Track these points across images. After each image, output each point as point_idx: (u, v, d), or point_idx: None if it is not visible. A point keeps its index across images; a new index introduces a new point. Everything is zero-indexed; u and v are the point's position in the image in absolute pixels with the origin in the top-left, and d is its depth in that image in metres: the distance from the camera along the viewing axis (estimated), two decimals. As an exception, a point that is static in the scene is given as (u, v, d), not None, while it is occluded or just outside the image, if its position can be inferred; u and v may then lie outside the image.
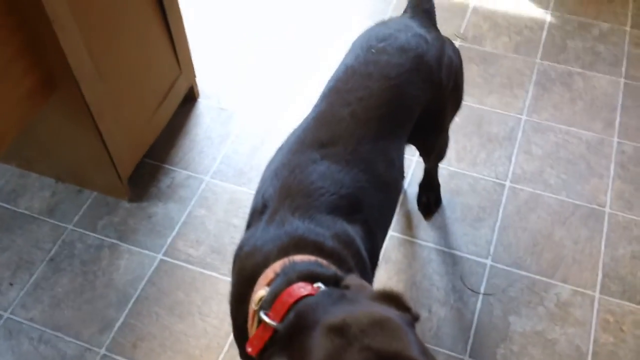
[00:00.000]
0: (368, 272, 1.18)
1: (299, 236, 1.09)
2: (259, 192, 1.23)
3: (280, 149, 1.28)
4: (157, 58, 1.95)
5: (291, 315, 0.90)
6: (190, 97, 2.24)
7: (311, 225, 1.10)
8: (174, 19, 1.95)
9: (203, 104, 2.26)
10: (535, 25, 2.52)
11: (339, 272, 1.03)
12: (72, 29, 1.52)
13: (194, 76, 2.21)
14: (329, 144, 1.21)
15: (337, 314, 0.85)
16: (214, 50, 2.45)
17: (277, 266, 1.03)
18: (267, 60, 2.41)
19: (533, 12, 2.57)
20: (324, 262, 1.04)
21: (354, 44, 1.44)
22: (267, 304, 0.96)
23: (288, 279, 0.99)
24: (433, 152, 1.67)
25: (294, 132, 1.29)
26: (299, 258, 1.04)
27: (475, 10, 2.57)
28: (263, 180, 1.24)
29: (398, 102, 1.31)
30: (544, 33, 2.49)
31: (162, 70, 2.00)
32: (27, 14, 1.45)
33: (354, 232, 1.15)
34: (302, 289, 0.94)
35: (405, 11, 1.53)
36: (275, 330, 0.91)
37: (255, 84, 2.33)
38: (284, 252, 1.06)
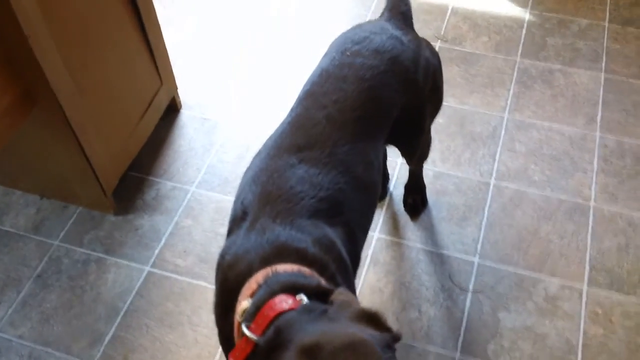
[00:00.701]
0: (350, 275, 1.18)
1: (281, 244, 1.08)
2: (238, 198, 1.23)
3: (257, 154, 1.28)
4: (137, 70, 1.95)
5: (270, 330, 0.91)
6: (173, 108, 2.24)
7: (292, 231, 1.10)
8: (153, 30, 1.96)
9: (186, 115, 2.27)
10: (515, 24, 2.54)
11: (323, 282, 1.03)
12: (48, 45, 1.52)
13: (176, 87, 2.21)
14: (305, 147, 1.22)
15: (312, 334, 0.86)
16: (195, 61, 2.45)
17: (259, 277, 1.03)
18: (249, 68, 2.42)
19: (512, 11, 2.59)
20: (307, 271, 1.04)
21: (330, 47, 1.45)
22: (249, 317, 0.97)
23: (271, 290, 0.99)
24: (415, 154, 1.68)
25: (270, 138, 1.29)
26: (281, 268, 1.04)
27: (455, 12, 2.59)
28: (241, 187, 1.24)
29: (374, 104, 1.31)
30: (524, 31, 2.51)
31: (143, 83, 2.00)
32: (3, 31, 1.45)
33: (334, 235, 1.15)
34: (283, 302, 0.95)
35: (382, 14, 1.54)
36: (256, 344, 0.91)
37: (238, 92, 2.34)
38: (266, 261, 1.06)
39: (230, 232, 1.21)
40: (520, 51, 2.44)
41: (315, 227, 1.13)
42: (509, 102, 2.26)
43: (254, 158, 1.28)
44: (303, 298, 0.96)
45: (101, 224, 1.98)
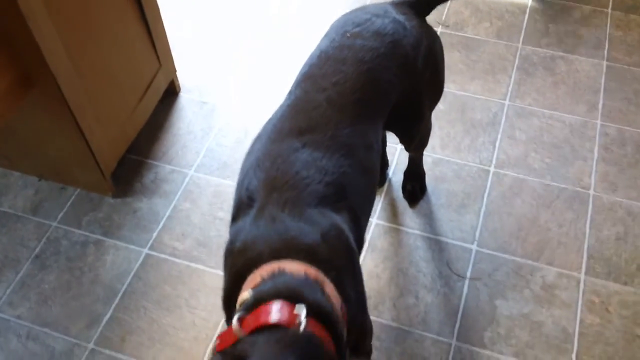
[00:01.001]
0: (356, 264, 1.17)
1: (290, 237, 1.08)
2: (241, 184, 1.22)
3: (258, 138, 1.27)
4: (136, 53, 1.94)
5: (248, 340, 0.92)
6: (172, 91, 2.23)
7: (301, 223, 1.09)
8: (152, 12, 1.94)
9: (184, 98, 2.25)
10: (517, 9, 2.52)
11: (325, 297, 1.01)
12: (47, 26, 1.51)
13: (175, 70, 2.20)
14: (307, 130, 1.21)
15: None
16: (194, 44, 2.44)
17: (265, 271, 1.03)
18: (249, 51, 2.40)
19: (514, -3, 2.57)
20: (312, 274, 1.03)
21: (330, 28, 1.43)
22: (247, 309, 0.97)
23: (274, 290, 0.98)
24: (413, 141, 1.67)
25: (269, 121, 1.28)
26: (289, 268, 1.03)
27: (457, -3, 2.57)
28: (244, 172, 1.23)
29: (373, 87, 1.30)
30: (526, 17, 2.49)
31: (142, 65, 1.99)
32: (1, 12, 1.43)
33: (342, 221, 1.15)
34: (280, 313, 0.94)
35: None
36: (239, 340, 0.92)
37: (237, 76, 2.32)
38: (275, 253, 1.06)
39: (235, 218, 1.20)
40: (522, 37, 2.42)
41: (324, 217, 1.12)
42: (510, 88, 2.25)
43: (254, 142, 1.27)
44: (301, 316, 0.94)
45: (100, 206, 1.97)
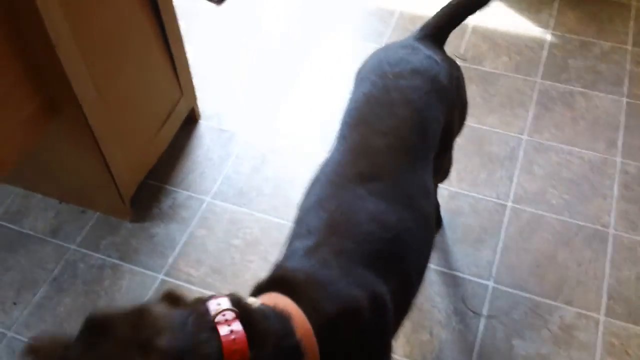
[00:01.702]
0: (377, 344, 1.10)
1: (325, 290, 1.02)
2: (299, 222, 1.18)
3: (316, 180, 1.24)
4: (159, 81, 1.97)
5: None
6: (191, 119, 2.25)
7: (345, 281, 1.04)
8: (175, 42, 1.97)
9: (204, 125, 2.27)
10: (536, 44, 2.53)
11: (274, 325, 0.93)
12: (74, 53, 1.53)
13: (195, 98, 2.22)
14: (371, 178, 1.18)
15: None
16: (215, 73, 2.46)
17: (270, 298, 0.98)
18: (268, 81, 2.43)
19: (533, 32, 2.58)
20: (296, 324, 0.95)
21: (363, 71, 1.42)
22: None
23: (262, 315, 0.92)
24: (439, 173, 1.66)
25: (327, 164, 1.25)
26: (284, 306, 0.96)
27: (475, 30, 2.58)
28: (304, 210, 1.19)
29: (425, 128, 1.29)
30: (545, 52, 2.50)
31: (164, 93, 2.01)
32: (30, 39, 1.46)
33: (387, 291, 1.08)
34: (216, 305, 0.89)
35: (413, 33, 1.53)
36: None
37: (256, 105, 2.34)
38: (300, 293, 1.00)
39: (290, 243, 1.16)
40: (540, 72, 2.43)
41: (370, 284, 1.06)
42: (528, 123, 2.25)
43: (313, 184, 1.24)
44: (222, 306, 0.88)
45: (118, 230, 1.99)
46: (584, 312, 1.77)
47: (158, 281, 1.87)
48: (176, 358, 0.82)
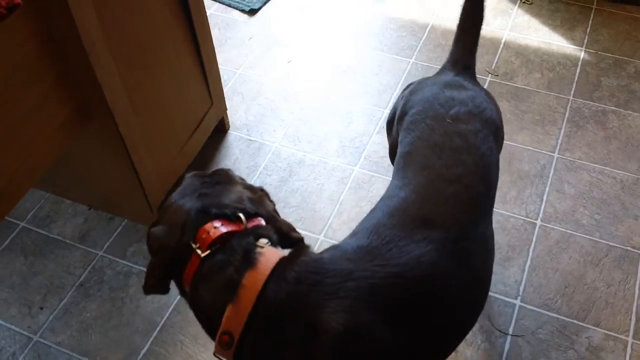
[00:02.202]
0: None
1: (327, 292, 1.02)
2: (352, 235, 1.19)
3: (378, 208, 1.22)
4: (190, 90, 1.99)
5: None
6: (221, 129, 2.27)
7: (349, 309, 1.01)
8: (207, 52, 1.99)
9: (233, 136, 2.29)
10: (569, 61, 2.50)
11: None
12: (107, 62, 1.56)
13: (225, 108, 2.24)
14: (431, 225, 1.14)
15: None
16: (245, 82, 2.48)
17: (265, 259, 1.04)
18: (298, 94, 2.44)
19: (566, 49, 2.55)
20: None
21: (411, 112, 1.37)
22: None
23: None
24: None
25: (391, 197, 1.23)
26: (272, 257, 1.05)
27: (507, 46, 2.56)
28: (361, 229, 1.18)
29: (488, 175, 1.25)
30: (578, 70, 2.47)
31: (194, 103, 2.03)
32: (64, 47, 1.49)
33: (381, 334, 1.03)
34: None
35: (444, 66, 1.52)
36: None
37: (285, 117, 2.35)
38: (280, 278, 1.03)
39: (337, 245, 1.17)
40: (573, 90, 2.40)
41: (358, 316, 1.01)
42: (559, 141, 2.22)
43: (373, 211, 1.23)
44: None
45: (145, 238, 2.00)
46: (612, 334, 1.73)
47: (183, 289, 1.88)
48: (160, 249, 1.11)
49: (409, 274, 1.07)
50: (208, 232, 1.05)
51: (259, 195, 1.18)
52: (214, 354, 1.05)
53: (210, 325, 1.06)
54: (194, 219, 1.07)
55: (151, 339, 1.78)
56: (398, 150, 1.35)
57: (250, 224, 1.09)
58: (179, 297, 1.86)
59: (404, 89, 1.54)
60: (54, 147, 1.60)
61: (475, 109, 1.33)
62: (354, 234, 1.19)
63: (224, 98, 2.21)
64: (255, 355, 1.03)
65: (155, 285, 1.13)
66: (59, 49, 1.50)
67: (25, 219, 2.07)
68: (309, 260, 1.07)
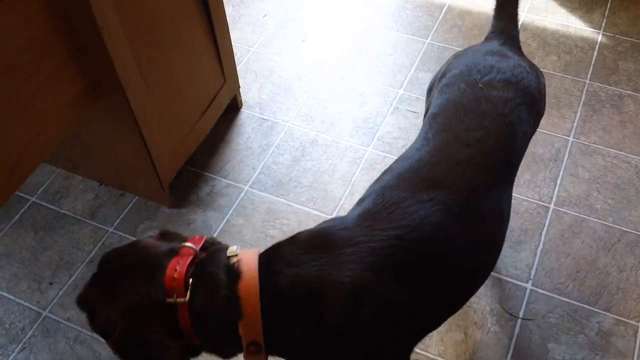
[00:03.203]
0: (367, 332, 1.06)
1: (332, 265, 1.04)
2: (361, 199, 1.19)
3: (389, 170, 1.22)
4: (202, 68, 1.97)
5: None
6: (233, 107, 2.26)
7: (358, 272, 1.03)
8: (220, 30, 1.97)
9: (245, 114, 2.28)
10: (586, 45, 2.46)
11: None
12: (119, 37, 1.55)
13: (238, 86, 2.22)
14: (440, 186, 1.12)
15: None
16: (258, 60, 2.46)
17: (246, 261, 1.06)
18: (311, 73, 2.42)
19: (584, 32, 2.51)
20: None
21: (448, 75, 1.36)
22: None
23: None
24: None
25: (404, 159, 1.22)
26: (249, 258, 1.07)
27: (525, 28, 2.53)
28: (369, 192, 1.19)
29: (513, 143, 1.23)
30: (595, 53, 2.43)
31: (207, 80, 2.02)
32: (77, 21, 1.48)
33: (388, 292, 1.04)
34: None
35: (490, 36, 1.49)
36: None
37: (298, 96, 2.33)
38: (269, 270, 1.05)
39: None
40: (590, 73, 2.36)
41: (361, 277, 1.02)
42: (575, 125, 2.19)
43: (385, 173, 1.22)
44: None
45: (155, 215, 2.00)
46: (622, 319, 1.72)
47: (193, 267, 1.88)
48: (130, 279, 1.05)
49: (411, 236, 1.07)
50: (174, 277, 1.02)
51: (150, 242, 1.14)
52: None
53: (234, 348, 1.07)
54: (151, 277, 1.04)
55: (161, 316, 1.78)
56: (428, 111, 1.34)
57: (197, 245, 1.09)
58: (188, 274, 1.86)
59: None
60: (66, 122, 1.59)
61: (513, 77, 1.30)
62: (361, 200, 1.19)
63: (237, 76, 2.19)
64: (282, 346, 1.05)
65: None
66: (70, 24, 1.48)
67: (36, 194, 2.08)
68: (296, 241, 1.09)
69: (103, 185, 2.09)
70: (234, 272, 1.03)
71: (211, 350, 1.09)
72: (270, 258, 1.07)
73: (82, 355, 1.71)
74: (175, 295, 1.01)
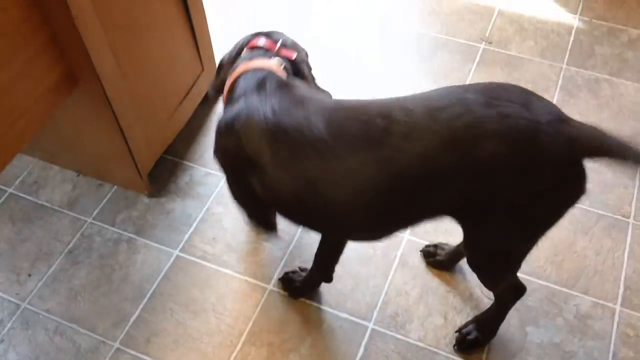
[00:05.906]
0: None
1: None
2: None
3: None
4: (180, 55, 1.95)
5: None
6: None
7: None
8: (197, 16, 1.95)
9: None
10: (563, 30, 2.48)
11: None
12: (94, 25, 1.52)
13: (216, 74, 2.21)
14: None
15: None
16: (237, 48, 2.44)
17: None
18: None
19: (561, 17, 2.53)
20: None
21: None
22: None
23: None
24: None
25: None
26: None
27: (502, 14, 2.54)
28: None
29: None
30: (571, 38, 2.45)
31: (184, 68, 2.00)
32: (50, 10, 1.46)
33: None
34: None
35: None
36: None
37: (277, 82, 2.32)
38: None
39: None
40: (566, 58, 2.38)
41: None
42: (551, 110, 2.20)
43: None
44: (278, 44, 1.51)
45: (134, 205, 1.99)
46: (600, 301, 1.74)
47: (173, 257, 1.87)
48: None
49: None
50: (256, 44, 1.51)
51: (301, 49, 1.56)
52: None
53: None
54: (245, 40, 1.57)
55: (141, 306, 1.78)
56: None
57: (284, 51, 1.47)
58: (169, 264, 1.85)
59: None
60: (41, 112, 1.57)
61: None
62: None
63: (215, 64, 2.17)
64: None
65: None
66: (44, 13, 1.46)
67: (13, 185, 2.05)
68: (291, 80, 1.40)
69: (81, 175, 2.07)
70: (259, 56, 1.50)
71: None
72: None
73: (62, 346, 1.70)
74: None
